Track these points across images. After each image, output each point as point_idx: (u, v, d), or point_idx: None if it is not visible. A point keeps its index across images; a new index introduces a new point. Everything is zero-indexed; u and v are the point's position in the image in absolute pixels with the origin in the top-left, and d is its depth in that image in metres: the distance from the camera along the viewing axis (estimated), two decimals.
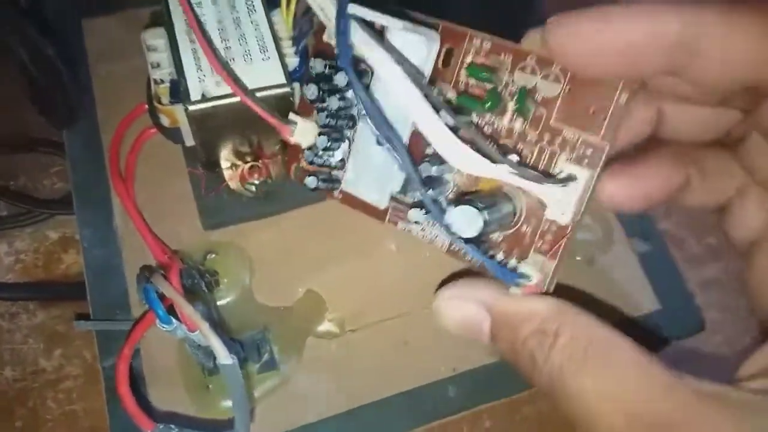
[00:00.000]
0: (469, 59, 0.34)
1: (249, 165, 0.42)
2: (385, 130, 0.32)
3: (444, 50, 0.34)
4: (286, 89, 0.38)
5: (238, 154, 0.43)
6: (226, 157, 0.43)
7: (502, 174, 0.30)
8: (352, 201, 0.38)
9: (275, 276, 0.41)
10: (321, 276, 0.41)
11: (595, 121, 0.29)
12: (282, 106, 0.38)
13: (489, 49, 0.33)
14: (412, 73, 0.31)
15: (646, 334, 0.45)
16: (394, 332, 0.41)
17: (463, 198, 0.33)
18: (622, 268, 0.46)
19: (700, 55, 0.25)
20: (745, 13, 0.24)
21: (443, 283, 0.35)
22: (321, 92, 0.36)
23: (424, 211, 0.34)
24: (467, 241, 0.31)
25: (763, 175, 0.28)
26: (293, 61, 0.40)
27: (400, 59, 0.32)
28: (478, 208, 0.31)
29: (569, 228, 0.31)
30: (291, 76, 0.39)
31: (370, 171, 0.37)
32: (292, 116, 0.36)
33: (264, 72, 0.38)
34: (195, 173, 0.43)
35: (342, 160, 0.38)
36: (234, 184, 0.42)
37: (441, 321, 0.31)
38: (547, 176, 0.31)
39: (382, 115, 0.33)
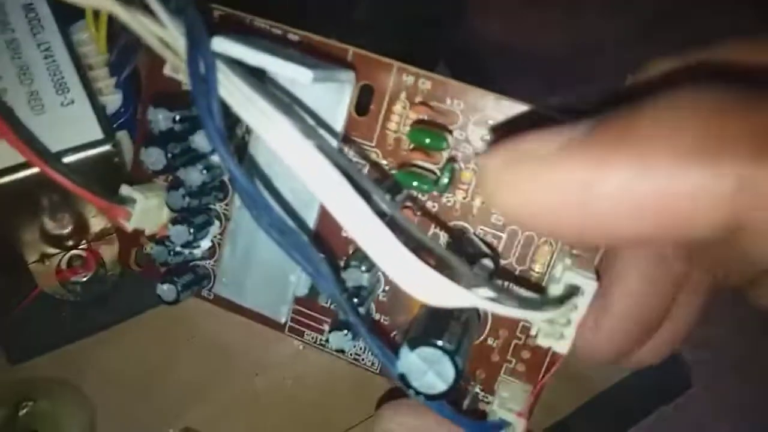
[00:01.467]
0: (399, 107, 0.22)
1: (67, 255, 0.31)
2: (279, 228, 0.19)
3: (359, 89, 0.22)
4: (106, 147, 0.27)
5: (50, 239, 0.31)
6: (30, 245, 0.31)
7: (479, 302, 0.18)
8: (231, 306, 0.26)
9: (130, 419, 0.31)
10: (197, 408, 0.31)
11: None
12: (104, 171, 0.27)
13: (428, 90, 0.21)
14: (318, 135, 0.18)
15: (625, 408, 0.36)
16: None
17: (420, 331, 0.21)
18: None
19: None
20: None
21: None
22: (170, 159, 0.23)
23: (350, 335, 0.23)
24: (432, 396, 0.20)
25: None
26: (113, 99, 0.29)
27: (294, 113, 0.18)
28: (446, 350, 0.20)
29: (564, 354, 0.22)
30: (112, 124, 0.28)
31: (258, 267, 0.25)
32: (125, 190, 0.25)
33: (65, 124, 0.27)
34: None
35: (212, 247, 0.27)
36: (49, 287, 0.31)
37: None
38: (540, 294, 0.20)
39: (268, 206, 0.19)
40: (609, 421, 0.35)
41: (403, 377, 0.20)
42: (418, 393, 0.20)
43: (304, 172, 0.17)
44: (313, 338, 0.26)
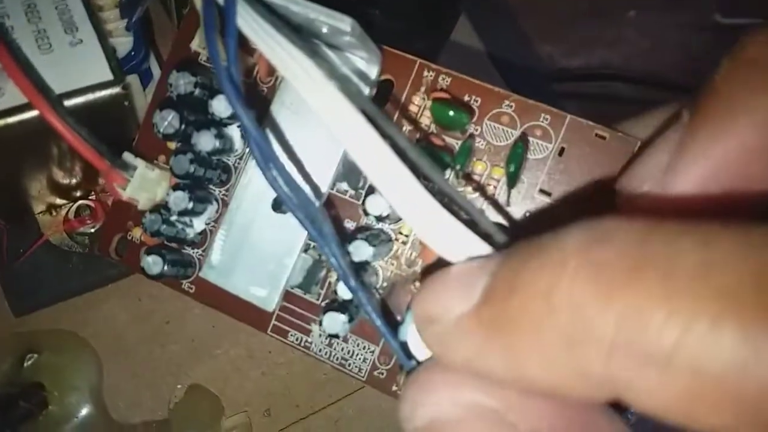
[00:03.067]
0: (417, 100, 0.22)
1: (75, 205, 0.31)
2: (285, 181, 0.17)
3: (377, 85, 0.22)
4: (116, 89, 0.26)
5: (58, 189, 0.31)
6: (38, 195, 0.30)
7: None
8: (213, 296, 0.24)
9: (138, 373, 0.30)
10: (205, 364, 0.31)
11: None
12: (114, 115, 0.27)
13: (447, 87, 0.22)
14: (353, 91, 0.16)
15: None
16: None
17: None
18: None
19: None
20: None
21: None
22: (184, 124, 0.22)
23: (347, 318, 0.21)
24: None
25: None
26: (124, 42, 0.28)
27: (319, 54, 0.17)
28: None
29: None
30: (122, 67, 0.27)
31: (252, 252, 0.23)
32: (127, 156, 0.23)
33: (74, 64, 0.26)
34: None
35: (203, 233, 0.24)
36: (56, 237, 0.31)
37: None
38: None
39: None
40: None
41: (405, 347, 0.18)
42: (419, 363, 0.19)
43: (345, 137, 0.15)
44: (298, 339, 0.24)
